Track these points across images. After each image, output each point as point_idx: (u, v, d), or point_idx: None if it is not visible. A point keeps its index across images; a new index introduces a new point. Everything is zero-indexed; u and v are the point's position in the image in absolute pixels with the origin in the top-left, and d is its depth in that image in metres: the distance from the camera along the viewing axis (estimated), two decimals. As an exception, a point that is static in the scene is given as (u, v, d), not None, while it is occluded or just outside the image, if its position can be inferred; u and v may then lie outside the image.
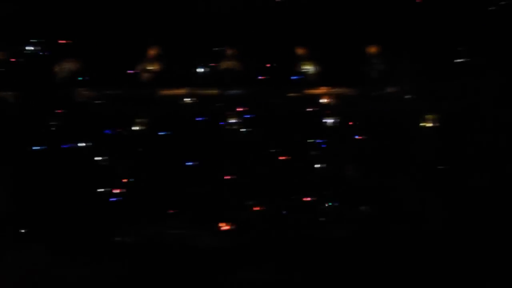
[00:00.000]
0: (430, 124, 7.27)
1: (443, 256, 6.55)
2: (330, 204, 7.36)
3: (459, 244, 6.63)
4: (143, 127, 7.60)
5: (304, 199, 7.42)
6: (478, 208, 6.79)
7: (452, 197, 6.95)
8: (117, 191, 7.43)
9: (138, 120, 7.59)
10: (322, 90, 7.53)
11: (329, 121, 7.51)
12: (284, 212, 7.37)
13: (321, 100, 7.51)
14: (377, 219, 7.13)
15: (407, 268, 6.49)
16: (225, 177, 7.52)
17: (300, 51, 7.53)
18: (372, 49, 7.35)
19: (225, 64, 7.57)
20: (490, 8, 6.82)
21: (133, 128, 7.58)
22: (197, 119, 7.58)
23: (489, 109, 7.03)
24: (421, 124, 7.28)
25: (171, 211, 7.37)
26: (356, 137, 7.48)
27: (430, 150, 7.26)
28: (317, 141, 7.52)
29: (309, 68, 7.50)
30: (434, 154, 7.22)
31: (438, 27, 7.10)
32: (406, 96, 7.33)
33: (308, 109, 7.52)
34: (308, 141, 7.51)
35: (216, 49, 7.54)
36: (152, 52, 7.62)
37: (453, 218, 6.86)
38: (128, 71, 7.59)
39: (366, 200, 7.30)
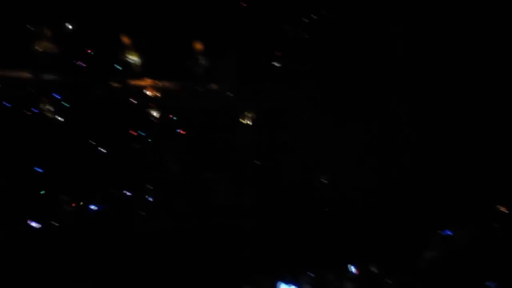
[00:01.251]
0: (249, 122, 7.74)
1: (257, 248, 7.06)
2: (150, 198, 7.29)
3: (272, 237, 7.21)
4: None
5: (125, 192, 7.22)
6: (289, 203, 7.47)
7: (266, 192, 7.52)
8: None
9: None
10: (146, 82, 7.40)
11: (153, 114, 7.42)
12: (103, 207, 7.06)
13: (145, 92, 7.39)
14: (195, 213, 7.31)
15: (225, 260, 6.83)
16: (36, 170, 6.87)
17: (125, 40, 7.27)
18: (198, 46, 7.49)
19: (40, 46, 6.87)
20: (305, 20, 7.58)
21: None
22: (4, 104, 6.78)
23: (299, 112, 7.81)
24: (240, 121, 7.71)
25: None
26: (179, 131, 7.55)
27: (248, 146, 7.74)
28: (140, 134, 7.38)
29: (134, 58, 7.29)
30: (251, 150, 7.71)
31: (259, 32, 7.59)
32: (228, 94, 7.68)
33: (131, 101, 7.32)
34: (131, 133, 7.31)
35: (31, 28, 6.81)
36: None
37: (267, 212, 7.43)
38: None
39: (185, 195, 7.42)
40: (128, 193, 7.20)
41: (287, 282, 6.71)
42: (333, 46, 7.64)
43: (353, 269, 6.87)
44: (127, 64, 7.20)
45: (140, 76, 7.26)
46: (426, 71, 7.26)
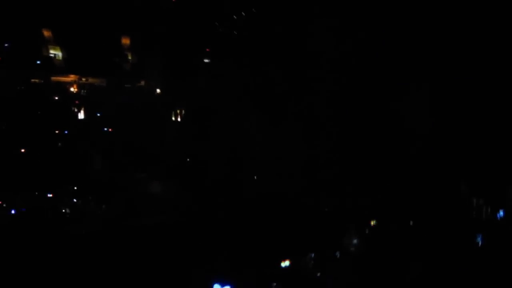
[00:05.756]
0: (178, 119, 7.63)
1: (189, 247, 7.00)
2: (74, 200, 7.02)
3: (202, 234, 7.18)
4: None
5: (48, 195, 6.90)
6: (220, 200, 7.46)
7: (198, 190, 7.46)
8: None
9: None
10: (70, 78, 7.07)
11: (77, 111, 7.12)
12: (23, 209, 6.72)
13: (69, 89, 7.06)
14: (122, 214, 7.10)
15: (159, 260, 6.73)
16: None
17: (46, 33, 6.87)
18: (126, 41, 7.25)
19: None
20: (234, 17, 7.56)
21: None
22: None
23: (225, 107, 7.80)
24: (169, 118, 7.56)
25: None
26: (105, 129, 7.28)
27: (181, 144, 7.61)
28: (64, 132, 7.05)
29: (56, 53, 6.92)
30: (183, 147, 7.59)
31: (188, 28, 7.46)
32: (157, 90, 7.50)
33: (54, 98, 6.97)
34: (54, 132, 6.97)
35: None
36: None
37: (200, 209, 7.38)
38: None
39: (111, 195, 7.18)
40: (51, 194, 6.87)
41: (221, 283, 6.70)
42: (263, 45, 7.69)
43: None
44: (49, 59, 6.82)
45: (63, 72, 6.92)
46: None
